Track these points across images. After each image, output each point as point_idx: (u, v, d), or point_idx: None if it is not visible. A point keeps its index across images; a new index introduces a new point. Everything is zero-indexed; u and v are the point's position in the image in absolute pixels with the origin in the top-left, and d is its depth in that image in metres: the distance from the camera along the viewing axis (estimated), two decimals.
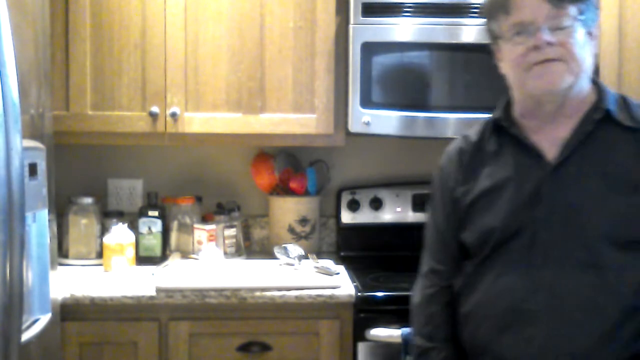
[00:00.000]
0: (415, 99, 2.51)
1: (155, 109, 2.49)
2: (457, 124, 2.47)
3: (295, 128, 2.55)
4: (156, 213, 2.68)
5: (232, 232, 2.72)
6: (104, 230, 2.65)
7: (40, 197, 1.84)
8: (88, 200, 2.67)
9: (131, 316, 2.22)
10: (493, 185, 1.66)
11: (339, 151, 2.83)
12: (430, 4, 2.47)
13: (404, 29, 2.48)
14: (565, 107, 1.63)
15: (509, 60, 1.64)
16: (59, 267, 2.21)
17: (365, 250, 2.85)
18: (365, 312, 2.26)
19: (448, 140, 1.84)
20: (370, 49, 2.45)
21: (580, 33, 1.58)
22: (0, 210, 1.54)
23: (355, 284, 2.35)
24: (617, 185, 1.57)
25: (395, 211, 2.86)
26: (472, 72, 2.50)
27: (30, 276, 1.79)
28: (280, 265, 2.55)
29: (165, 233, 2.71)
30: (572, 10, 1.57)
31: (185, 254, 2.69)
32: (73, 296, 2.19)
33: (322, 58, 2.54)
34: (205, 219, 2.74)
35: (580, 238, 1.55)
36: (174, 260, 2.60)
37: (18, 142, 1.57)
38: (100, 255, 2.58)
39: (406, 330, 2.11)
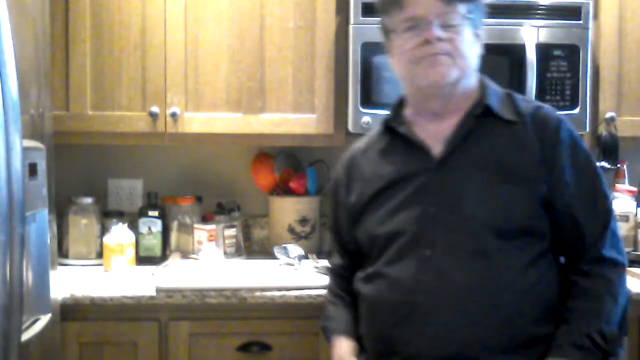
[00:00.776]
0: None
1: (155, 109, 2.49)
2: None
3: (295, 128, 2.55)
4: (156, 213, 2.68)
5: (232, 232, 2.72)
6: (104, 230, 2.65)
7: (40, 197, 1.83)
8: (88, 200, 2.67)
9: (131, 316, 2.22)
10: (384, 185, 1.73)
11: (339, 151, 2.81)
12: None
13: None
14: (450, 104, 1.70)
15: (399, 54, 1.70)
16: (59, 267, 2.21)
17: None
18: None
19: None
20: (370, 49, 2.45)
21: (467, 32, 1.66)
22: (0, 210, 1.54)
23: None
24: (497, 176, 1.63)
25: None
26: None
27: (30, 276, 1.78)
28: (280, 265, 2.55)
29: (165, 233, 2.71)
30: (462, 8, 1.65)
31: (185, 254, 2.69)
32: (73, 296, 2.19)
33: (322, 58, 2.54)
34: (205, 219, 2.74)
35: (466, 228, 1.61)
36: (174, 260, 2.60)
37: (18, 142, 1.57)
38: (100, 255, 2.58)
39: None
